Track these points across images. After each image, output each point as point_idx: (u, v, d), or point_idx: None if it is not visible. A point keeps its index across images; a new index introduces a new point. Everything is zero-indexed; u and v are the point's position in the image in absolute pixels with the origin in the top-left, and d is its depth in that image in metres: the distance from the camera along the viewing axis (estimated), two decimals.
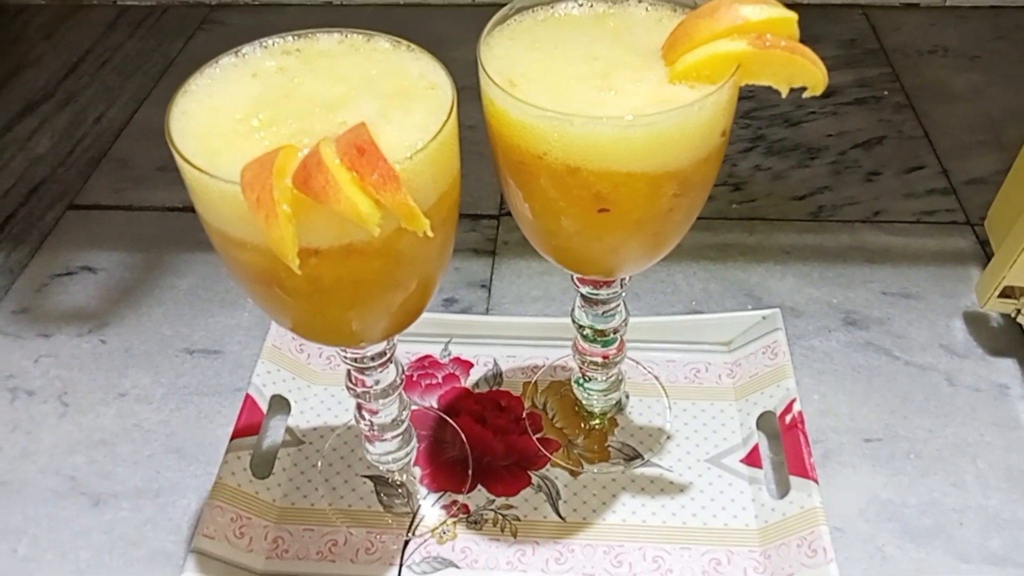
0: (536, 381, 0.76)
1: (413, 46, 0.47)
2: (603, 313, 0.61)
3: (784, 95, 0.46)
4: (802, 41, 0.45)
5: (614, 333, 0.63)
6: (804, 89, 0.45)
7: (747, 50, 0.43)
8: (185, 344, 0.82)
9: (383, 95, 0.44)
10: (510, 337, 0.79)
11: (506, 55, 0.48)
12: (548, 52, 0.48)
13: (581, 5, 0.52)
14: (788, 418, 0.68)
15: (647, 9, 0.51)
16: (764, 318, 0.76)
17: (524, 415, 0.73)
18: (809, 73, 0.44)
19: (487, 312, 0.83)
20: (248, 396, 0.72)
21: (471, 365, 0.77)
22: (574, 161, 0.44)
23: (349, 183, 0.36)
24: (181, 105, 0.43)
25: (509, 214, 0.90)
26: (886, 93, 1.09)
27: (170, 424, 0.75)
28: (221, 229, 0.42)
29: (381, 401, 0.60)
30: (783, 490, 0.66)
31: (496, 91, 0.45)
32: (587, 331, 0.63)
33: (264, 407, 0.72)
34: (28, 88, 1.16)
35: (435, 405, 0.75)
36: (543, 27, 0.51)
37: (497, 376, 0.76)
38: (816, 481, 0.63)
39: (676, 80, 0.45)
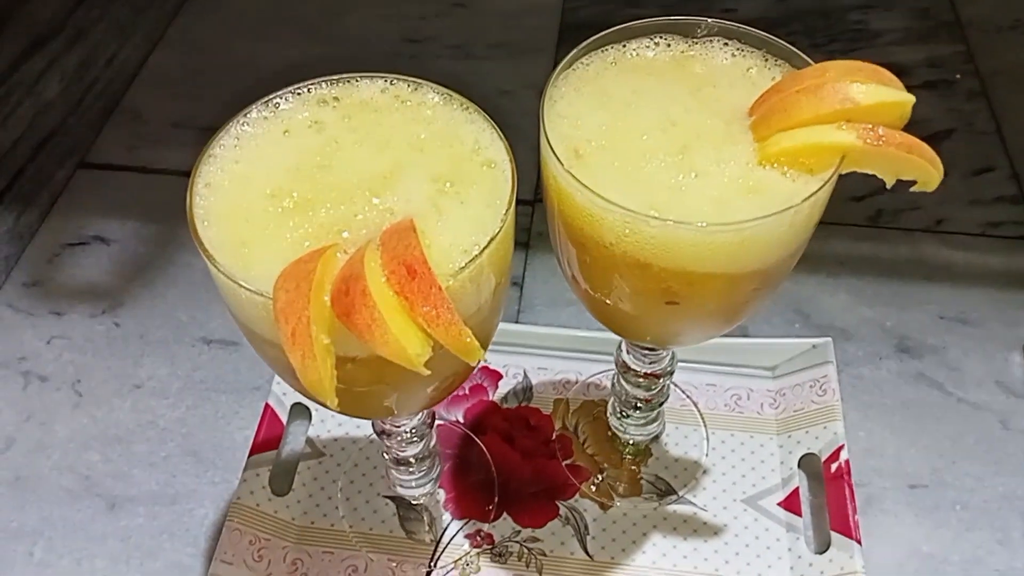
0: (568, 399, 0.72)
1: (467, 103, 0.41)
2: (652, 361, 0.57)
3: (889, 186, 0.41)
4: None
5: (661, 378, 0.59)
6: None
7: (856, 144, 0.37)
8: (202, 332, 0.79)
9: (434, 174, 0.38)
10: (542, 347, 0.75)
11: (571, 113, 0.42)
12: (619, 112, 0.42)
13: (656, 44, 0.46)
14: (834, 467, 0.65)
15: (733, 55, 0.45)
16: (814, 347, 0.71)
17: (554, 437, 0.70)
18: (923, 171, 0.39)
19: (518, 314, 0.79)
20: (267, 406, 0.69)
21: (500, 376, 0.74)
22: (645, 257, 0.39)
23: (396, 313, 0.31)
24: (205, 175, 0.38)
25: None
26: (958, 77, 1.01)
27: (187, 423, 0.73)
28: (250, 327, 0.37)
29: (408, 445, 0.57)
30: (822, 545, 0.63)
31: (560, 169, 0.39)
32: (631, 376, 0.59)
33: (284, 417, 0.69)
34: (35, 21, 1.09)
35: (461, 420, 0.72)
36: (613, 74, 0.44)
37: (527, 390, 0.73)
38: (859, 542, 0.61)
39: (767, 162, 0.40)
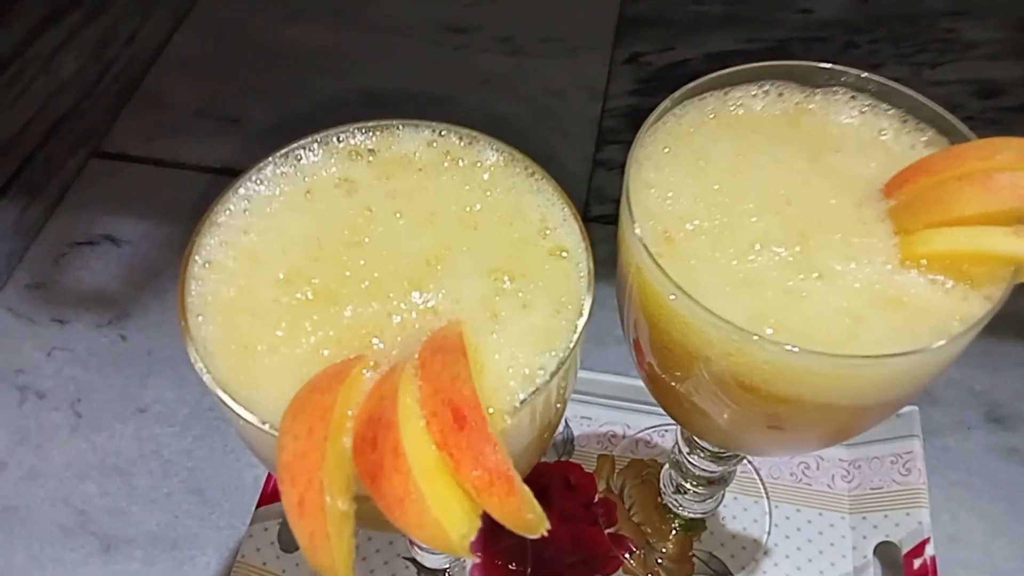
0: (614, 456, 0.65)
1: (532, 166, 0.33)
2: (719, 458, 0.49)
3: None
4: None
5: (725, 477, 0.51)
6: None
7: None
8: None
9: (490, 263, 0.30)
10: (586, 393, 0.67)
11: (660, 181, 0.34)
12: (720, 182, 0.34)
13: (766, 92, 0.37)
14: (917, 563, 0.57)
15: (861, 111, 0.36)
16: (898, 416, 0.63)
17: (596, 500, 0.63)
18: None
19: None
20: None
21: None
22: (752, 382, 0.31)
23: (437, 476, 0.24)
24: (206, 248, 0.30)
25: (600, 220, 0.77)
26: None
27: (193, 456, 0.66)
28: (253, 449, 0.30)
29: None
30: None
31: (646, 260, 0.31)
32: (691, 479, 0.51)
33: None
34: None
35: None
36: (713, 131, 0.36)
37: (568, 443, 0.65)
38: None
39: (911, 261, 0.31)
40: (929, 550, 0.57)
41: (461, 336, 0.26)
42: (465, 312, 0.28)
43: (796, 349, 0.28)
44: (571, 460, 0.65)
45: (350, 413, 0.26)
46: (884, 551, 0.59)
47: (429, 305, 0.29)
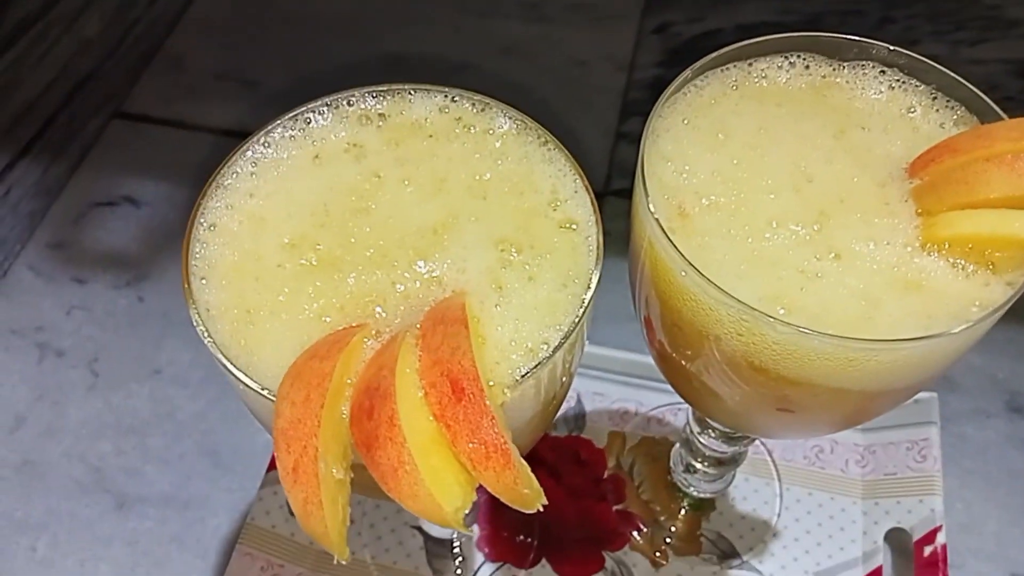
0: (625, 433, 0.64)
1: (545, 135, 0.32)
2: (730, 438, 0.49)
3: None
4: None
5: (736, 458, 0.51)
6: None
7: None
8: None
9: (497, 234, 0.30)
10: (599, 369, 0.67)
11: (677, 154, 0.33)
12: (739, 157, 0.33)
13: (793, 64, 0.36)
14: (928, 550, 0.56)
15: (891, 87, 0.35)
16: (916, 402, 0.62)
17: (605, 476, 0.63)
18: None
19: None
20: None
21: None
22: (762, 362, 0.30)
23: (433, 448, 0.23)
24: (211, 210, 0.30)
25: (621, 194, 0.75)
26: None
27: (206, 418, 0.67)
28: (255, 414, 0.30)
29: None
30: None
31: (659, 234, 0.30)
32: (701, 458, 0.51)
33: None
34: None
35: None
36: (734, 103, 0.35)
37: (579, 418, 0.65)
38: None
39: (932, 244, 0.30)
40: (940, 538, 0.56)
41: (464, 308, 0.26)
42: (470, 283, 0.28)
43: (807, 331, 0.27)
44: (582, 436, 0.64)
45: (349, 381, 0.25)
46: (895, 537, 0.58)
47: (434, 275, 0.28)
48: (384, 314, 0.28)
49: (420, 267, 0.29)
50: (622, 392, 0.66)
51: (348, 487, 0.24)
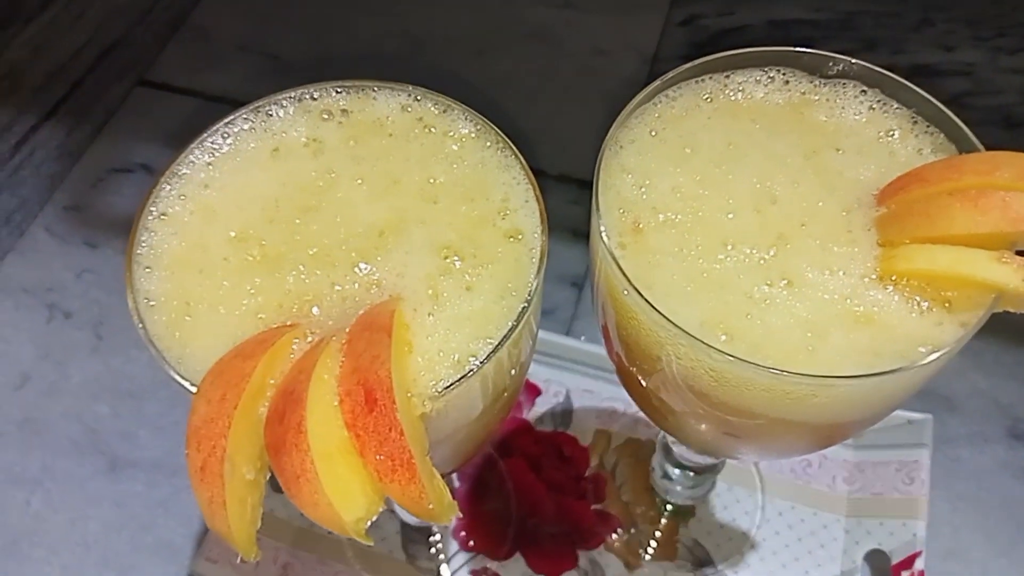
0: (611, 433, 0.64)
1: (504, 142, 0.32)
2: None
3: None
4: None
5: (714, 467, 0.50)
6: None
7: (1020, 289, 0.27)
8: None
9: (442, 239, 0.29)
10: (590, 366, 0.66)
11: (639, 167, 0.33)
12: (703, 173, 0.32)
13: (771, 79, 0.35)
14: (904, 575, 0.55)
15: (872, 108, 0.34)
16: (910, 423, 0.60)
17: (587, 474, 0.62)
18: None
19: (571, 321, 0.71)
20: None
21: (539, 392, 0.66)
22: (702, 388, 0.29)
23: (340, 456, 0.24)
24: (163, 198, 0.30)
25: None
26: None
27: None
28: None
29: None
30: None
31: (605, 252, 0.30)
32: (677, 466, 0.50)
33: None
34: None
35: None
36: (706, 116, 0.34)
37: (566, 414, 0.65)
38: None
39: (890, 278, 0.29)
40: (919, 564, 0.55)
41: (392, 315, 0.26)
42: (407, 289, 0.27)
43: (741, 360, 0.26)
44: (567, 432, 0.64)
45: (272, 382, 0.25)
46: (874, 558, 0.58)
47: (374, 278, 0.28)
48: (320, 315, 0.28)
49: (361, 269, 0.29)
50: (612, 391, 0.66)
51: (262, 488, 0.25)
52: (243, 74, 0.86)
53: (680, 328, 0.27)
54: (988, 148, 0.31)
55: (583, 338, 0.68)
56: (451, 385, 0.26)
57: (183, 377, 0.26)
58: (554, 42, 0.89)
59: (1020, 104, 0.83)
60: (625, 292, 0.29)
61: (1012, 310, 0.29)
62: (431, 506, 0.24)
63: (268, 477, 0.25)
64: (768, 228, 0.31)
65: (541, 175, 0.78)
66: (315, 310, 0.28)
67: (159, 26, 0.91)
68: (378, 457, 0.23)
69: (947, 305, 0.28)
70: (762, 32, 0.91)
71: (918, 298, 0.29)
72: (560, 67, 0.87)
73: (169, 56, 0.89)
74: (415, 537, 0.60)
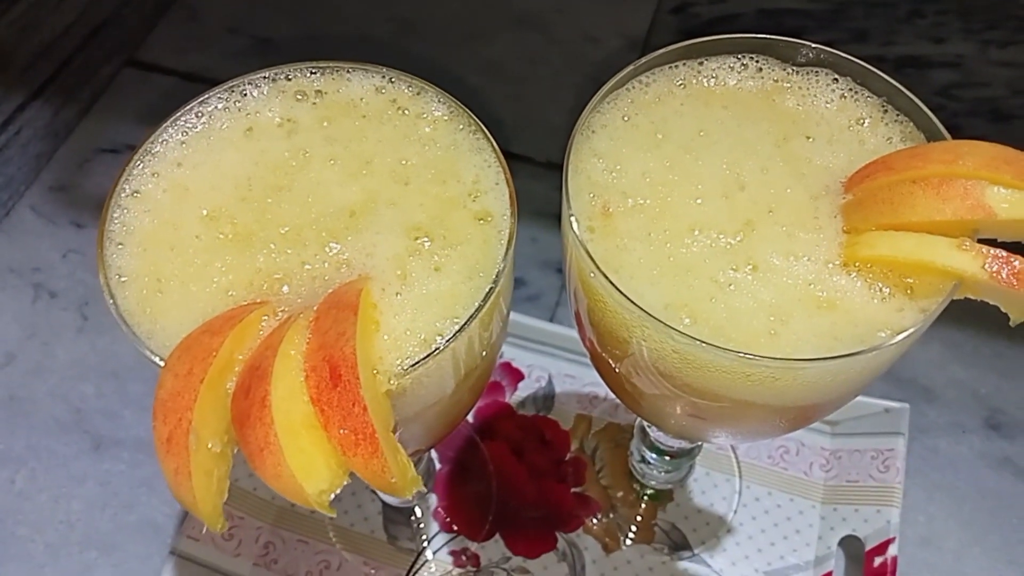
0: (592, 417, 0.65)
1: (476, 125, 0.32)
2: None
3: (1014, 324, 0.30)
4: None
5: (690, 451, 0.51)
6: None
7: (980, 277, 0.27)
8: None
9: (412, 221, 0.30)
10: (573, 352, 0.67)
11: (611, 152, 0.33)
12: (673, 159, 0.33)
13: (745, 66, 0.35)
14: (878, 561, 0.56)
15: (843, 96, 0.34)
16: (887, 411, 0.61)
17: (567, 458, 0.63)
18: None
19: (556, 307, 0.71)
20: None
21: (521, 376, 0.66)
22: (666, 368, 0.30)
23: (303, 431, 0.24)
24: (136, 176, 0.31)
25: None
26: None
27: None
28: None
29: None
30: None
31: (573, 236, 0.30)
32: (653, 450, 0.51)
33: None
34: None
35: (470, 418, 0.65)
36: (679, 102, 0.34)
37: (548, 399, 0.65)
38: None
39: (853, 264, 0.30)
40: (892, 550, 0.55)
41: (359, 294, 0.26)
42: (376, 269, 0.28)
43: (702, 343, 0.27)
44: (549, 416, 0.65)
45: (240, 357, 0.26)
46: (849, 545, 0.58)
47: (343, 257, 0.29)
48: (290, 293, 0.28)
49: (331, 248, 0.29)
50: (593, 376, 0.65)
51: (229, 460, 0.25)
52: (232, 55, 0.86)
53: (644, 311, 0.27)
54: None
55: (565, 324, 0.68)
56: (417, 363, 0.26)
57: (152, 352, 0.26)
58: (544, 28, 0.89)
59: (1008, 97, 0.83)
60: (592, 275, 0.29)
61: (972, 297, 0.29)
62: (394, 480, 0.24)
63: (236, 451, 0.25)
64: (736, 214, 0.31)
65: (528, 161, 0.78)
66: (285, 288, 0.28)
67: (148, 6, 0.91)
68: (341, 431, 0.24)
69: (908, 291, 0.29)
70: (753, 21, 0.91)
71: (880, 284, 0.29)
72: (550, 53, 0.87)
73: (158, 36, 0.88)
74: (396, 518, 0.60)
